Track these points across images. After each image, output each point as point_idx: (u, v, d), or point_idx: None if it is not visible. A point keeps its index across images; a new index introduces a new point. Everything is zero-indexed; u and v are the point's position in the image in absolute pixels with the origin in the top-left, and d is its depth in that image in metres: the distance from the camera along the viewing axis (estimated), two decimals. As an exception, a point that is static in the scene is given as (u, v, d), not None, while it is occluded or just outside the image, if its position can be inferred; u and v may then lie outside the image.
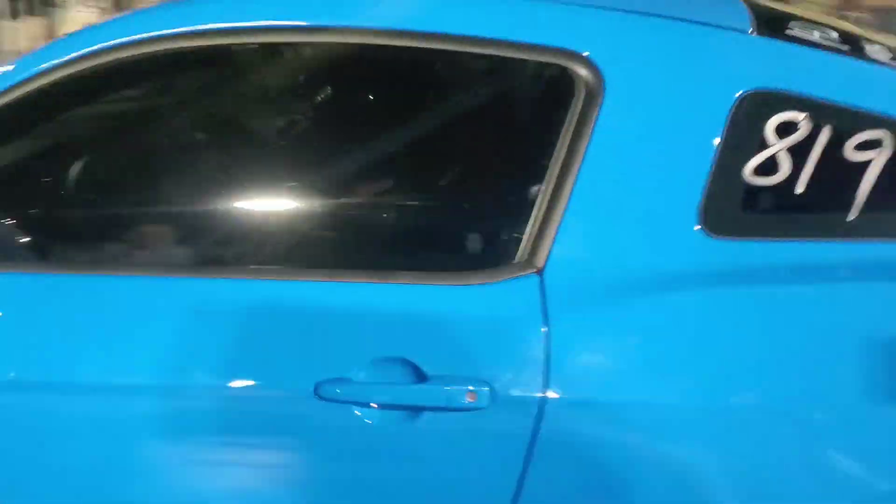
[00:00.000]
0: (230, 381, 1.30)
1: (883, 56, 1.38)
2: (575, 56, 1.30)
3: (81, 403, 1.33)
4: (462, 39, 1.32)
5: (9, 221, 1.59)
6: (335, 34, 1.34)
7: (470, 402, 1.24)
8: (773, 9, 1.55)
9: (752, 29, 1.36)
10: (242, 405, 1.31)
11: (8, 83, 1.39)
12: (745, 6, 1.46)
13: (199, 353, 1.31)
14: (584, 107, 1.29)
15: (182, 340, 1.31)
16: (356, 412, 1.27)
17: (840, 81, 1.30)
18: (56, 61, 1.37)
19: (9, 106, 1.38)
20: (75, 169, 1.71)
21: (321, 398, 1.26)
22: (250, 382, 1.31)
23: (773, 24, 1.41)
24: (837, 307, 1.23)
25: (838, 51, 1.36)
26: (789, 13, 1.53)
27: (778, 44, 1.34)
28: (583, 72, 1.30)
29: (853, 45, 1.40)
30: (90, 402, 1.33)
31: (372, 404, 1.27)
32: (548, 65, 1.33)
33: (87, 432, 1.33)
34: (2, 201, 1.60)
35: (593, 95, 1.29)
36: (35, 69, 1.38)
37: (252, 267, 1.41)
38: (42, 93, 1.38)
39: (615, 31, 1.33)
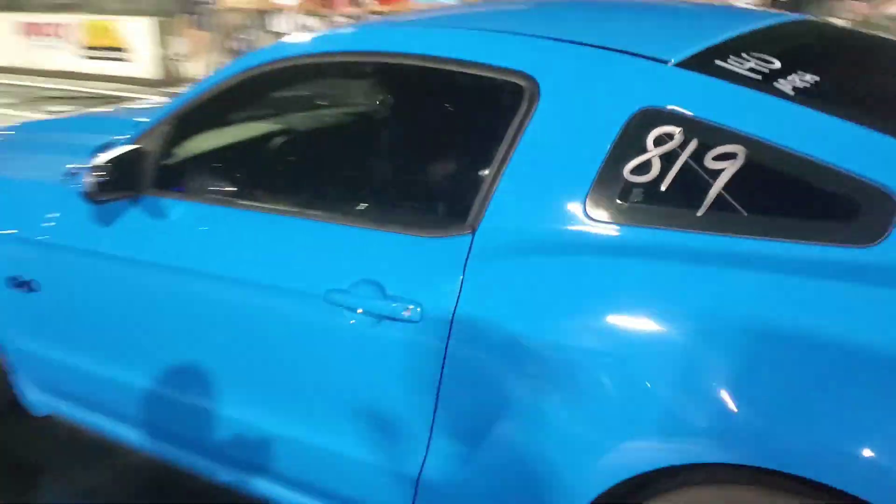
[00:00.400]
0: (281, 282, 1.96)
1: (787, 88, 1.61)
2: (525, 75, 1.75)
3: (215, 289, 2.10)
4: (447, 61, 1.85)
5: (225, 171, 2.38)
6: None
7: (407, 316, 1.77)
8: (737, 42, 1.81)
9: (673, 60, 1.68)
10: (282, 299, 1.96)
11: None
12: (707, 41, 1.78)
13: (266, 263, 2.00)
14: (525, 112, 1.74)
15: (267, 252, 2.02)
16: (345, 312, 1.86)
17: (720, 105, 1.58)
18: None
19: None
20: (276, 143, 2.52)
21: (326, 301, 1.88)
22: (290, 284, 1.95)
23: (708, 56, 1.71)
24: (663, 283, 1.53)
25: (745, 81, 1.62)
26: (748, 47, 1.78)
27: (684, 73, 1.65)
28: (528, 85, 1.74)
29: (772, 78, 1.64)
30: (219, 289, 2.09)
31: (355, 309, 1.84)
32: (506, 81, 1.79)
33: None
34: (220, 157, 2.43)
35: (532, 103, 1.73)
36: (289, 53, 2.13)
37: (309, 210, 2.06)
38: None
39: (554, 56, 1.75)
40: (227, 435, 2.13)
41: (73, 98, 11.51)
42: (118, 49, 14.06)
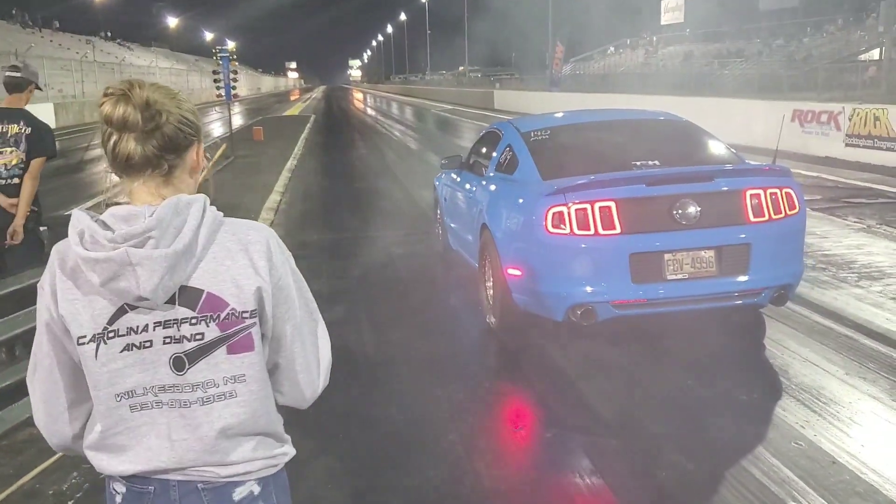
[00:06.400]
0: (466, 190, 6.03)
1: (535, 138, 4.87)
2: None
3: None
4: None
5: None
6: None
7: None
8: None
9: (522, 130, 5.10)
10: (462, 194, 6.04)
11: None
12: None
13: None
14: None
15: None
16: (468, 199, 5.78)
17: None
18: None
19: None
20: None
21: (467, 194, 6.14)
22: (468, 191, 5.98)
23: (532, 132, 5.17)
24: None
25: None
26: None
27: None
28: None
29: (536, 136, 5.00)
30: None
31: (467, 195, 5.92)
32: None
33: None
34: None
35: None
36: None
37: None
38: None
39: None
40: (455, 234, 6.92)
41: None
42: (887, 139, 14.61)
